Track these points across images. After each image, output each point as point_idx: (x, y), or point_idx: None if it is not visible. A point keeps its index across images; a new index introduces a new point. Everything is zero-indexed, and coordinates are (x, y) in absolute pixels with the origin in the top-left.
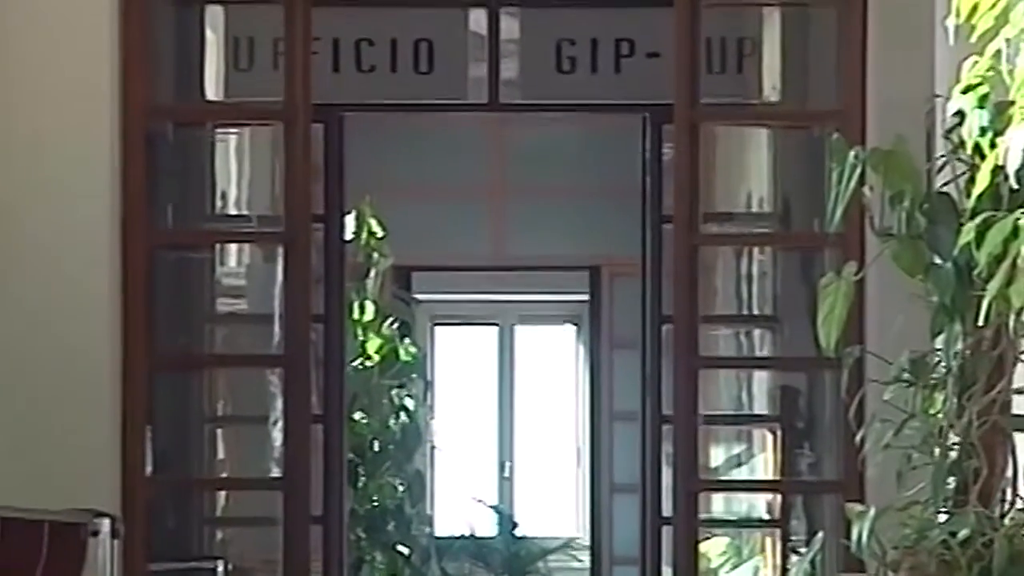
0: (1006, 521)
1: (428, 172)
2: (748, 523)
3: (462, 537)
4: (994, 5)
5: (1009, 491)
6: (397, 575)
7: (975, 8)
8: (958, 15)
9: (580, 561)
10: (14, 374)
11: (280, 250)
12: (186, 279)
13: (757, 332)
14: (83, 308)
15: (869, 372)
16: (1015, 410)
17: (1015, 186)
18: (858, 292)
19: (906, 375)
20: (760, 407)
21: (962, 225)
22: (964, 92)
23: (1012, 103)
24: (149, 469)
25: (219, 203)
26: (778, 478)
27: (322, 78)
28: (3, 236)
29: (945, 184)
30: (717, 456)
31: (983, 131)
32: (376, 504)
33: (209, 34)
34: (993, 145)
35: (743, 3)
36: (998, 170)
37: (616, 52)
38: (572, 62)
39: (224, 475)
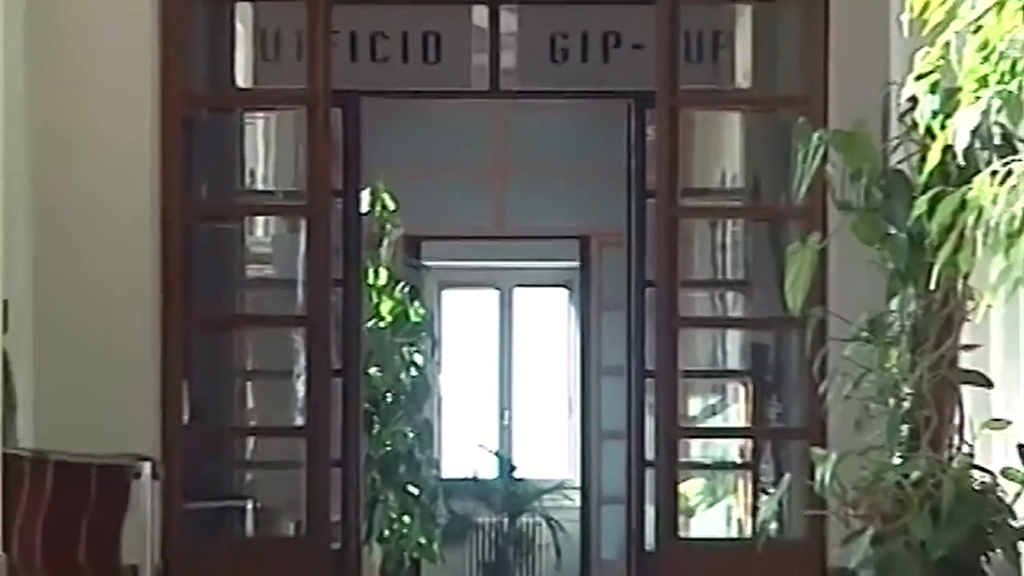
0: (953, 464)
1: (436, 152)
2: (722, 466)
3: (466, 479)
4: (944, 2)
5: (956, 437)
6: (408, 513)
7: (927, 5)
8: (911, 10)
9: (571, 500)
10: (66, 335)
11: (303, 222)
12: (219, 248)
13: (730, 295)
14: (126, 274)
15: (831, 331)
16: (961, 365)
17: (962, 163)
18: (821, 259)
19: (864, 334)
20: (733, 362)
21: (915, 199)
22: (917, 79)
23: (959, 89)
24: (186, 418)
25: (248, 180)
26: (749, 426)
27: (340, 67)
28: (57, 210)
29: (900, 162)
30: (695, 406)
31: (934, 114)
32: (389, 449)
33: (239, 28)
34: (943, 127)
35: (718, 0)
36: (947, 149)
37: (604, 44)
38: (565, 53)
39: (253, 423)
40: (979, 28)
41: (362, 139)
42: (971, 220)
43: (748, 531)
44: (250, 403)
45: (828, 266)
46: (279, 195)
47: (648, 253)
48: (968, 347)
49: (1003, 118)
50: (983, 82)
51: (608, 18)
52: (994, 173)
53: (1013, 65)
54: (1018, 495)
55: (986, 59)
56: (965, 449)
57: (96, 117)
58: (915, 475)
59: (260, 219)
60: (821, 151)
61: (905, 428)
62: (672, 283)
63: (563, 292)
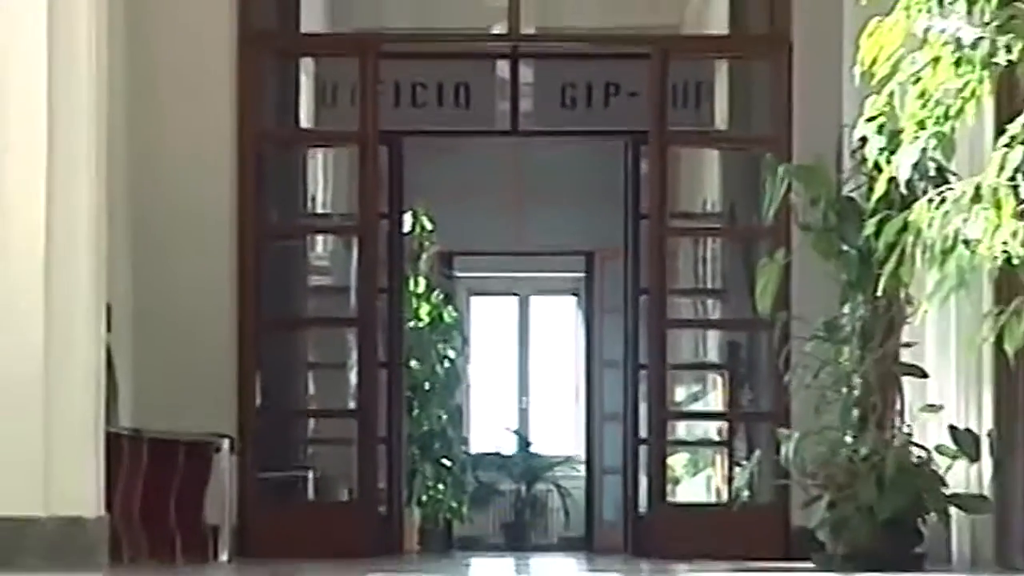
0: (895, 442)
1: (465, 181)
2: (703, 443)
3: (490, 453)
4: (889, 57)
5: (897, 420)
6: (442, 482)
7: (875, 59)
8: (862, 64)
9: (577, 471)
10: (159, 333)
11: (355, 240)
12: (286, 261)
13: (710, 301)
14: (210, 282)
15: (794, 331)
16: (902, 359)
17: (904, 192)
18: (785, 271)
19: (821, 333)
20: (712, 357)
21: (864, 222)
22: (866, 122)
23: (902, 130)
24: (258, 402)
25: (310, 204)
26: (725, 410)
27: (386, 111)
28: (151, 228)
29: (852, 191)
30: (680, 393)
31: (880, 151)
32: (426, 429)
33: (303, 78)
34: (888, 162)
35: (700, 58)
36: (891, 180)
37: (605, 92)
38: (573, 100)
39: (313, 407)
40: (918, 80)
41: (404, 171)
42: (911, 239)
43: (724, 497)
44: (311, 390)
45: (791, 277)
46: (335, 217)
47: (642, 265)
48: (907, 345)
49: (938, 155)
50: (921, 125)
51: (608, 71)
52: (931, 200)
53: (946, 111)
54: (948, 468)
55: (924, 105)
56: (905, 430)
57: (184, 151)
58: (863, 451)
59: (319, 237)
60: (786, 182)
61: (855, 412)
62: (662, 291)
63: (571, 299)
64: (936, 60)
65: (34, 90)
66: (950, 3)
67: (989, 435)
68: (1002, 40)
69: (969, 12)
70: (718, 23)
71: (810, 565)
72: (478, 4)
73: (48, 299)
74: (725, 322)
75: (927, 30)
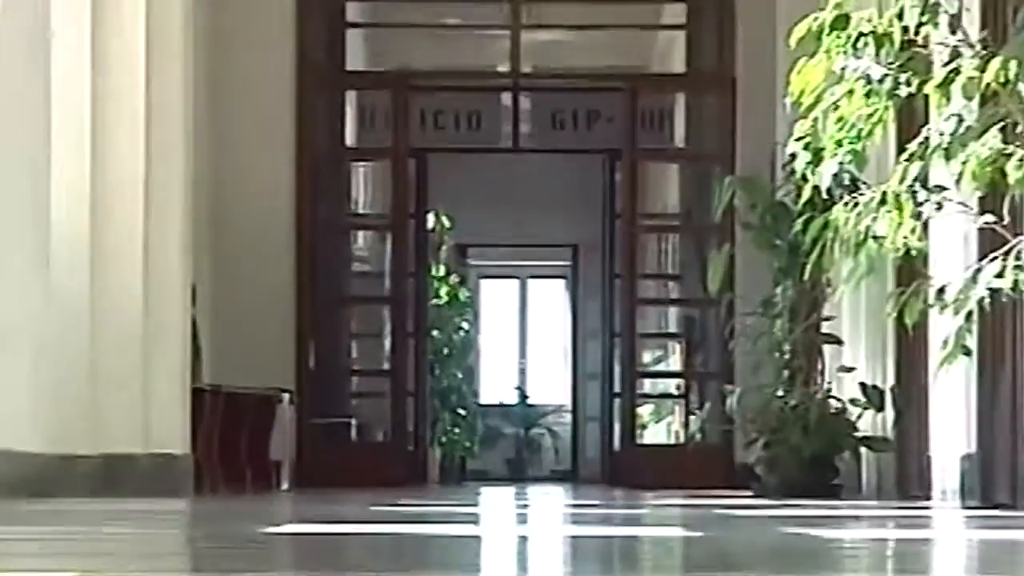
0: (817, 396)
1: (476, 188)
2: (664, 396)
3: (496, 404)
4: (813, 91)
5: (819, 379)
6: (457, 427)
7: (802, 92)
8: (792, 96)
9: (565, 419)
10: (233, 308)
11: (388, 235)
12: (335, 251)
13: (670, 284)
14: (274, 269)
15: (738, 308)
16: (823, 330)
17: (825, 198)
18: (730, 261)
19: (759, 310)
20: (672, 328)
21: (793, 221)
22: (796, 141)
23: (823, 148)
24: (312, 363)
25: (353, 206)
26: (682, 370)
27: (414, 133)
28: (228, 223)
29: (783, 197)
30: (647, 357)
31: (806, 165)
32: (445, 385)
33: (348, 106)
34: (812, 173)
35: (662, 91)
36: (815, 189)
37: (588, 118)
38: (562, 123)
39: (356, 367)
40: (837, 108)
41: (428, 180)
42: (830, 235)
43: (681, 439)
44: (354, 354)
45: (735, 265)
46: (373, 217)
47: (616, 256)
48: (827, 319)
49: (852, 168)
50: (839, 144)
51: (590, 101)
52: (846, 204)
53: (859, 133)
54: (859, 416)
55: (841, 128)
56: (825, 386)
57: (255, 163)
58: (792, 403)
59: (360, 232)
60: (731, 190)
61: (785, 372)
62: (632, 276)
63: (560, 282)
64: (850, 92)
65: (135, 119)
66: (862, 47)
67: (892, 390)
68: (903, 77)
69: (877, 54)
70: (677, 63)
71: (749, 493)
72: (486, 48)
73: (146, 282)
74: (682, 301)
75: (843, 68)
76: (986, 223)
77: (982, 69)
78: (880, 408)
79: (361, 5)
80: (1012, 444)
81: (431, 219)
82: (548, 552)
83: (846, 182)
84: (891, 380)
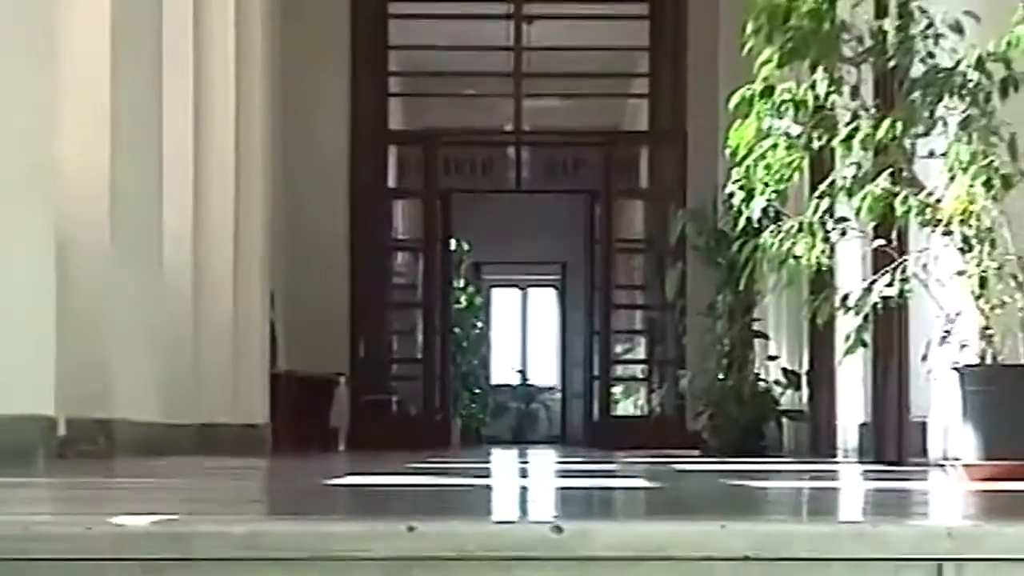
0: (749, 379)
1: (489, 220)
2: (632, 379)
3: (503, 385)
4: (746, 144)
5: (751, 366)
6: (474, 402)
7: (738, 145)
8: (730, 148)
9: (556, 396)
10: (302, 311)
11: (421, 255)
12: (380, 267)
13: (637, 292)
14: (333, 280)
15: (689, 311)
16: (754, 328)
17: (756, 227)
18: (683, 275)
19: (705, 312)
20: (638, 326)
21: (731, 245)
22: (733, 183)
23: (754, 188)
24: (362, 353)
25: (394, 232)
26: (646, 358)
27: (439, 176)
28: (298, 249)
29: (723, 226)
30: (618, 348)
31: (741, 201)
32: (464, 370)
33: (390, 157)
34: (746, 207)
35: (631, 144)
36: (748, 220)
37: (575, 165)
38: (554, 170)
39: (396, 356)
40: (764, 157)
41: (452, 213)
42: (760, 256)
43: (645, 412)
44: (394, 346)
45: (687, 278)
46: (409, 241)
47: (596, 271)
48: (756, 320)
49: (776, 204)
50: (766, 185)
51: (576, 152)
52: (771, 231)
53: (781, 176)
54: (782, 394)
55: (767, 173)
56: (755, 371)
57: (318, 199)
58: (730, 383)
59: (399, 253)
60: (683, 221)
61: (725, 360)
62: (607, 286)
63: (553, 291)
64: (775, 146)
65: (225, 167)
66: (783, 110)
67: (806, 374)
68: (815, 134)
69: (795, 116)
70: (643, 123)
71: (697, 453)
72: (496, 112)
73: (235, 293)
74: (646, 306)
75: (769, 128)
76: (879, 246)
77: (876, 128)
78: (797, 388)
79: (400, 80)
80: (898, 415)
81: (453, 243)
82: (543, 498)
83: (771, 214)
84: (806, 366)
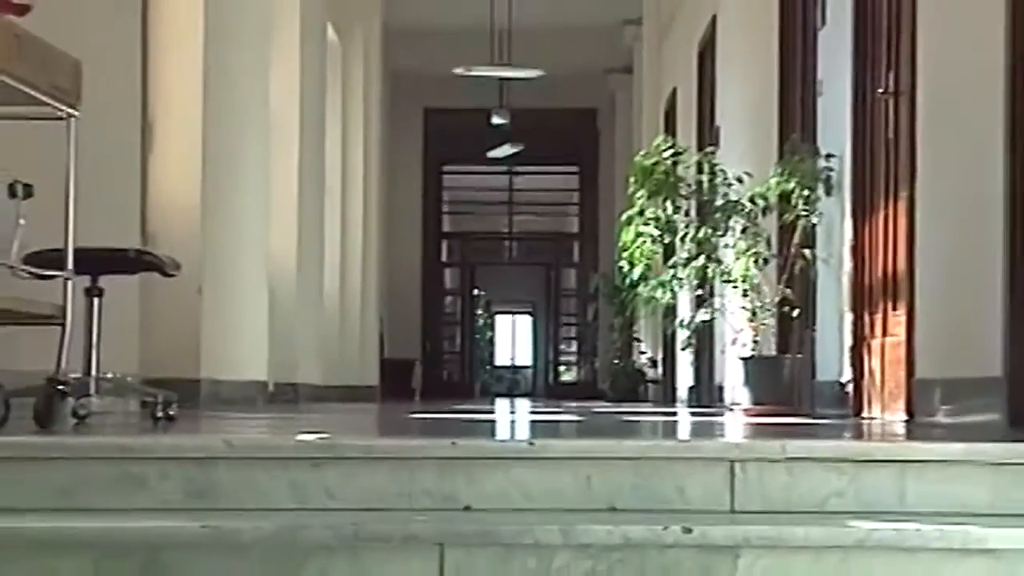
0: (631, 362)
1: (495, 280)
2: (570, 363)
3: (502, 366)
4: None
5: (632, 355)
6: (487, 375)
7: (625, 241)
8: (621, 243)
9: (529, 371)
10: (398, 324)
11: (459, 298)
12: (438, 304)
13: (573, 317)
14: (411, 307)
15: (601, 327)
16: (635, 335)
17: (635, 283)
18: (596, 310)
19: (609, 328)
20: (573, 335)
21: (623, 293)
22: (622, 256)
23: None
24: (428, 347)
25: (446, 286)
26: (577, 351)
27: (470, 256)
28: (393, 289)
29: (618, 282)
30: (563, 346)
31: (627, 270)
32: (481, 358)
33: (443, 248)
34: (630, 270)
35: (570, 240)
36: (631, 280)
37: (541, 251)
38: (530, 253)
39: (446, 349)
40: (639, 247)
41: (476, 276)
42: (638, 298)
43: (576, 380)
44: (445, 344)
45: (599, 310)
46: (452, 290)
47: (552, 307)
48: (635, 332)
49: (645, 272)
50: (641, 256)
51: (544, 245)
52: (643, 286)
53: (647, 257)
54: (648, 371)
55: (640, 255)
56: (635, 358)
57: (405, 260)
58: (621, 365)
59: (448, 296)
60: (597, 281)
61: (618, 353)
62: (558, 315)
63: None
64: (645, 241)
65: (357, 244)
66: (651, 221)
67: (661, 360)
68: (666, 235)
69: (655, 225)
70: (575, 227)
71: (604, 402)
72: (498, 220)
73: (362, 313)
74: (578, 324)
75: (641, 232)
76: (699, 294)
77: (697, 232)
78: (655, 367)
79: (448, 204)
80: (709, 381)
81: (476, 291)
82: (523, 425)
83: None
84: (661, 356)
